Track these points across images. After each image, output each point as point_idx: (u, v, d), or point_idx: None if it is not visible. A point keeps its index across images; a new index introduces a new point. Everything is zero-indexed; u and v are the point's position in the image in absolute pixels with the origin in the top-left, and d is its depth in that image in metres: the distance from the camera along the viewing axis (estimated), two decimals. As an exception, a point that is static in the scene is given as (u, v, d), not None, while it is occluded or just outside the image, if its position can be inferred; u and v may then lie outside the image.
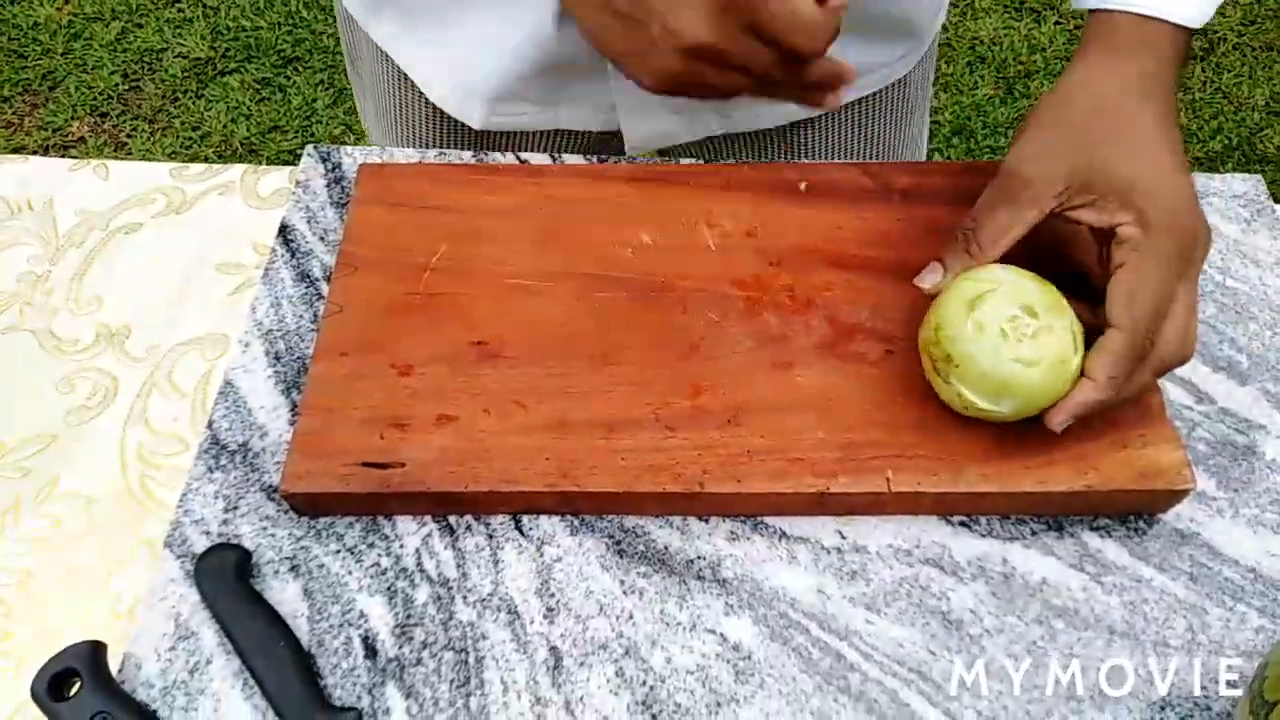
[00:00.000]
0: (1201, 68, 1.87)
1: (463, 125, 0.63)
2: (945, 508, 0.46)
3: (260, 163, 1.74)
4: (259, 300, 0.53)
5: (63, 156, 1.74)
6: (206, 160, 1.70)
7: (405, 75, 0.64)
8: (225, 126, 1.75)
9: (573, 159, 0.59)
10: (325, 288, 0.54)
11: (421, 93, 0.64)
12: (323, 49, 1.88)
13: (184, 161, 1.74)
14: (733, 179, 0.55)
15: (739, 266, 0.52)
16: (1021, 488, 0.44)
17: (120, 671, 0.41)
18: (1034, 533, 0.46)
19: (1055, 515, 0.46)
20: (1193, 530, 0.46)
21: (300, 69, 1.85)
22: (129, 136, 1.75)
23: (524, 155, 0.59)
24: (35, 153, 1.73)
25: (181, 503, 0.46)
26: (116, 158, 1.71)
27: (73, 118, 1.76)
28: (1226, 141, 1.75)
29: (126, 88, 1.81)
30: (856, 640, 0.42)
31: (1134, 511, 0.46)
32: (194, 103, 1.79)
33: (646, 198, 0.55)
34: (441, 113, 0.64)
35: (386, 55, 0.64)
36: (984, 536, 0.45)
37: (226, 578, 0.43)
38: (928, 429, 0.46)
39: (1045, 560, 0.45)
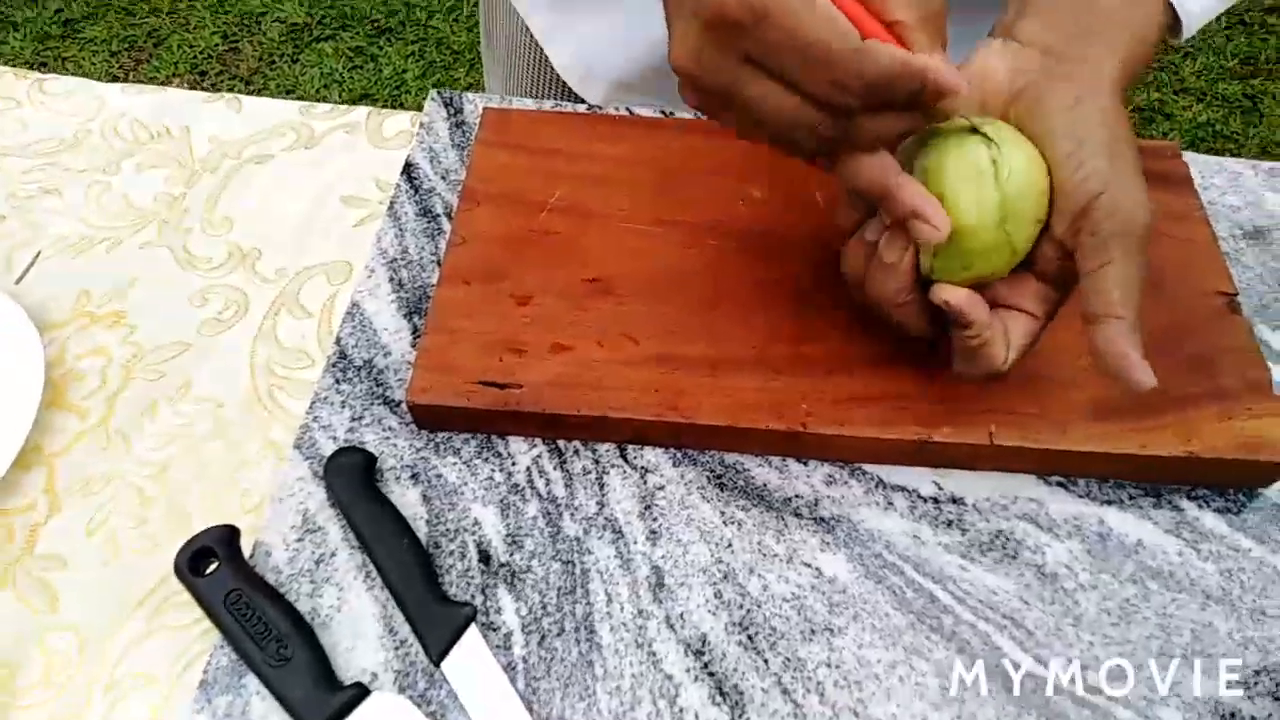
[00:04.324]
0: (1301, 84, 1.82)
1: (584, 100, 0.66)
2: (1044, 465, 0.46)
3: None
4: (384, 231, 0.56)
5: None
6: (299, 122, 1.76)
7: (537, 43, 0.67)
8: (318, 91, 1.80)
9: (686, 114, 0.61)
10: (445, 223, 0.56)
11: (550, 64, 0.67)
12: (415, 21, 1.92)
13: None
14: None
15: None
16: (1124, 449, 0.45)
17: (251, 557, 0.44)
18: (1131, 497, 0.46)
19: (1154, 482, 0.47)
20: (1293, 506, 0.46)
21: (393, 40, 1.89)
22: (227, 95, 1.81)
23: (637, 110, 0.61)
24: (138, 106, 1.80)
25: (310, 410, 0.49)
26: (214, 115, 1.77)
27: (173, 75, 1.83)
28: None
29: (225, 49, 1.88)
30: (950, 585, 0.44)
31: (1236, 484, 0.46)
32: (289, 66, 1.85)
33: (759, 154, 0.56)
34: (566, 85, 0.67)
35: (522, 21, 0.67)
36: (1080, 497, 0.46)
37: (354, 478, 0.45)
38: (1035, 386, 0.46)
39: (1141, 524, 0.46)
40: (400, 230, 0.56)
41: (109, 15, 1.90)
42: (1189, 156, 0.60)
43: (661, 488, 0.47)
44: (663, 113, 0.61)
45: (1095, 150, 0.38)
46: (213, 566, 0.42)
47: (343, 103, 1.78)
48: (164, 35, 1.89)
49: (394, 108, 1.84)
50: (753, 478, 0.47)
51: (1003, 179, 0.38)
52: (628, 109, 0.62)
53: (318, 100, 1.78)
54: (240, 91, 1.82)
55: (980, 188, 0.39)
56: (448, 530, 0.45)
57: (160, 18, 1.92)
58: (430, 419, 0.48)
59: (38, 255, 0.58)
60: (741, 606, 0.43)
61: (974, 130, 0.39)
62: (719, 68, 0.35)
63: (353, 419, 0.48)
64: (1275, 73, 1.85)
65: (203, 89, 1.82)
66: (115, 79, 1.82)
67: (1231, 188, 0.59)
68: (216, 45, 1.88)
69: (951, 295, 0.39)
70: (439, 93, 0.63)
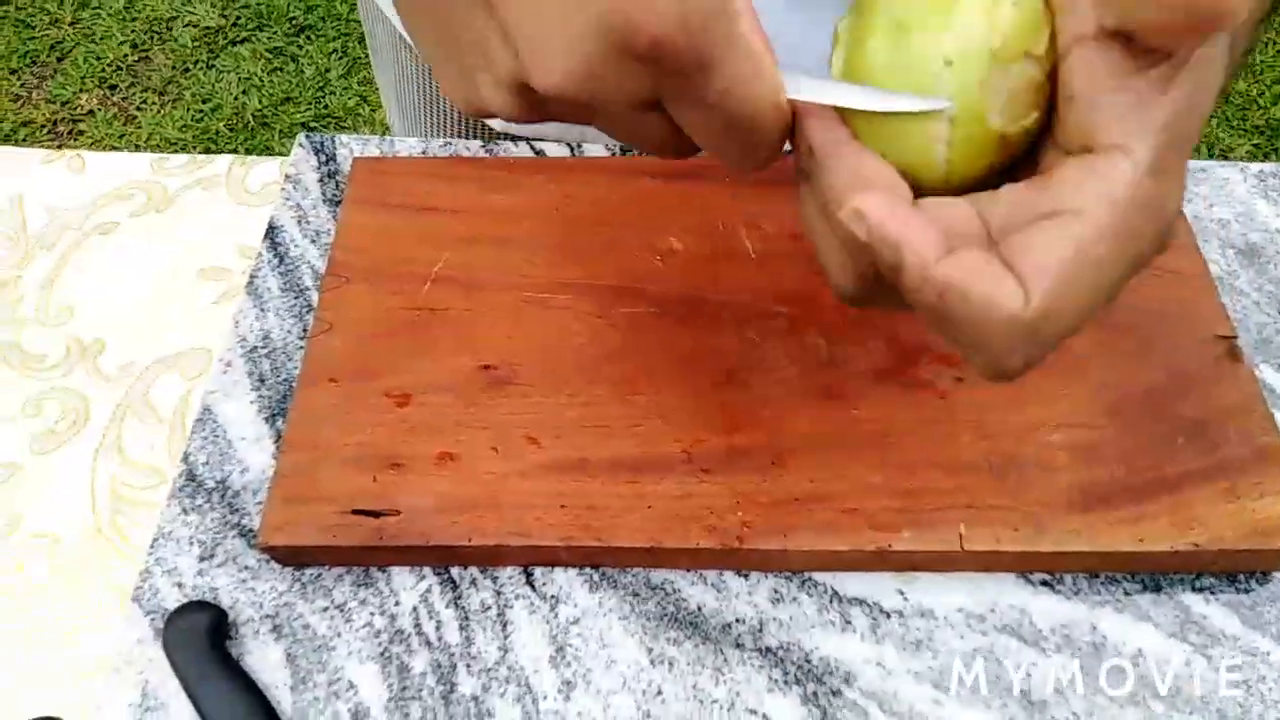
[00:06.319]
0: (1265, 27, 1.75)
1: (483, 125, 0.58)
2: (1026, 565, 0.39)
3: (272, 137, 1.68)
4: (242, 313, 0.48)
5: (71, 132, 1.69)
6: (217, 135, 1.65)
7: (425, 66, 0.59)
8: (236, 98, 1.69)
9: (595, 149, 0.52)
10: (316, 299, 0.48)
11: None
12: (336, 16, 1.81)
13: (195, 135, 1.69)
14: (778, 173, 0.48)
15: (784, 277, 0.45)
16: (1115, 546, 0.38)
17: (77, 753, 0.36)
18: (1127, 593, 0.39)
19: (1151, 572, 0.40)
20: (1315, 593, 0.39)
21: (313, 37, 1.78)
22: (139, 109, 1.69)
23: (540, 145, 0.53)
24: (44, 127, 1.68)
25: (152, 550, 0.41)
26: (126, 131, 1.66)
27: (81, 90, 1.71)
28: (1292, 110, 1.65)
29: (136, 58, 1.76)
30: (922, 725, 0.37)
31: (1246, 570, 0.40)
32: (205, 73, 1.73)
33: (678, 196, 0.48)
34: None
35: (405, 40, 0.58)
36: (1069, 599, 0.39)
37: (198, 642, 0.37)
38: (1007, 472, 0.39)
39: (1140, 627, 0.39)
40: (262, 310, 0.48)
41: (5, 29, 1.78)
42: (1168, 162, 0.52)
43: (576, 621, 0.39)
44: (569, 146, 0.53)
45: None
46: (23, 778, 0.34)
47: (264, 107, 1.68)
48: (68, 48, 1.77)
49: (319, 110, 1.73)
50: (685, 601, 0.40)
51: None
52: (530, 144, 0.53)
53: (236, 109, 1.68)
54: (154, 103, 1.71)
55: None
56: (316, 699, 0.37)
57: (62, 29, 1.79)
58: (292, 558, 0.40)
59: None
60: (674, 775, 0.36)
61: None
62: (610, 101, 0.24)
63: (203, 558, 0.41)
64: None
65: (113, 104, 1.71)
66: (18, 99, 1.70)
67: (1219, 198, 0.51)
68: (126, 55, 1.76)
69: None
70: (308, 136, 0.54)
